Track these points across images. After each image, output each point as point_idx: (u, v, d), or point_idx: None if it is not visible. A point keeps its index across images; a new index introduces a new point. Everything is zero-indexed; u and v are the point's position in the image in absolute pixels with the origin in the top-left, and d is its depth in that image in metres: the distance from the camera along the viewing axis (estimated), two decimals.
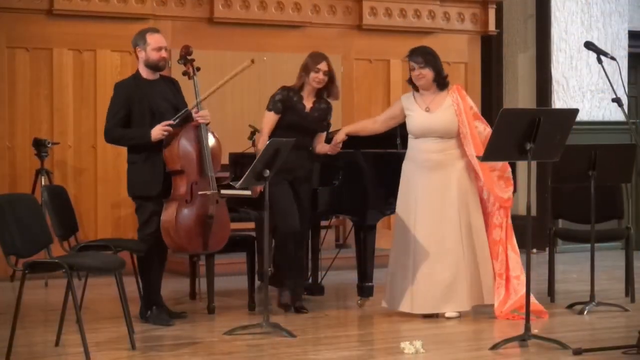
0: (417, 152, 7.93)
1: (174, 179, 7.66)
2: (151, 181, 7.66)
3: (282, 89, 8.16)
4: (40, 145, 10.26)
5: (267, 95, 11.05)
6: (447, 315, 7.87)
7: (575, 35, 12.94)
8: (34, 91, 10.68)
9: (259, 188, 7.74)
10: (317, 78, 7.97)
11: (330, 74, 8.05)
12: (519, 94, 13.41)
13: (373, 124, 8.19)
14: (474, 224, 7.96)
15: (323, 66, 7.99)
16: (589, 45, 7.40)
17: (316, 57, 8.10)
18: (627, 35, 13.41)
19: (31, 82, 10.67)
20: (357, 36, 12.00)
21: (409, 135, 8.03)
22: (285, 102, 8.03)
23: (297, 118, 7.98)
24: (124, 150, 10.24)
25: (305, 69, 8.06)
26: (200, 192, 7.61)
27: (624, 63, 12.57)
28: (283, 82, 11.35)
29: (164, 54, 7.81)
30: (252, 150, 9.20)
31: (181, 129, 7.66)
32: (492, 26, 12.75)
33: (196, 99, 7.73)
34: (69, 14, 10.69)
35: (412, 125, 7.94)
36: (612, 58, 7.18)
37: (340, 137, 8.04)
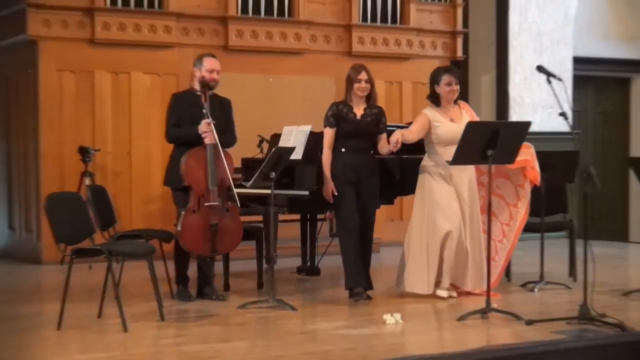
0: (446, 157, 7.54)
1: (189, 193, 7.60)
2: (181, 179, 7.64)
3: (332, 105, 7.82)
4: (84, 152, 10.27)
5: (274, 109, 11.17)
6: (437, 293, 7.78)
7: (528, 60, 12.95)
8: (78, 107, 10.67)
9: (332, 190, 7.56)
10: (360, 87, 7.66)
11: (370, 81, 7.73)
12: (481, 109, 13.39)
13: (410, 133, 7.77)
14: (477, 220, 7.87)
15: (363, 76, 7.67)
16: (540, 69, 7.42)
17: (357, 69, 7.74)
18: (572, 60, 13.42)
19: (76, 100, 10.66)
20: (348, 61, 11.94)
21: (431, 144, 7.80)
22: (336, 115, 7.69)
23: (351, 126, 7.68)
24: (154, 154, 10.36)
25: (349, 82, 7.74)
26: (206, 204, 7.52)
27: (569, 83, 12.63)
28: (286, 99, 11.48)
29: (215, 75, 7.77)
30: (260, 155, 9.22)
31: (193, 150, 7.55)
32: (459, 52, 12.77)
33: (206, 117, 7.56)
34: (107, 43, 10.68)
35: (442, 134, 7.72)
36: (559, 79, 7.20)
37: (395, 136, 7.54)
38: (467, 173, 7.82)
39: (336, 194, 7.56)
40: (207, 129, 7.51)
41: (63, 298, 6.61)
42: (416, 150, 8.10)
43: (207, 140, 7.53)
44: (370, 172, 7.71)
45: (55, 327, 6.55)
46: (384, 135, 7.78)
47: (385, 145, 7.74)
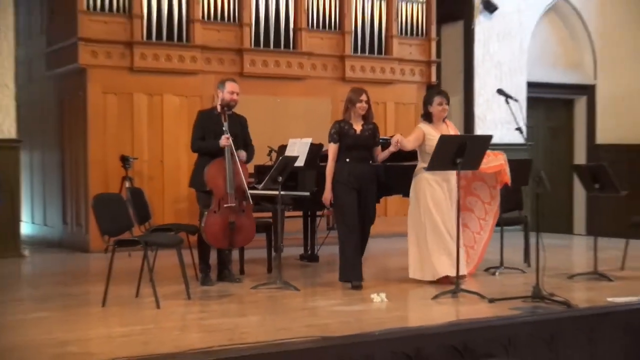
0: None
1: (211, 195, 7.55)
2: (204, 182, 7.61)
3: (335, 123, 7.60)
4: (124, 160, 10.26)
5: (281, 125, 11.15)
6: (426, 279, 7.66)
7: (490, 84, 12.95)
8: (120, 123, 10.65)
9: (330, 198, 7.43)
10: (361, 106, 7.48)
11: (368, 102, 7.58)
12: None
13: (407, 141, 7.60)
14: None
15: (364, 97, 7.51)
16: (500, 92, 7.41)
17: (357, 92, 7.56)
18: (526, 85, 13.44)
19: (118, 117, 10.64)
20: (342, 85, 11.96)
21: (425, 153, 7.61)
22: (339, 132, 7.47)
23: (352, 140, 7.46)
24: (182, 162, 10.36)
25: (351, 102, 7.51)
26: (225, 205, 7.49)
27: (524, 104, 12.60)
28: (290, 116, 11.46)
29: (235, 97, 7.74)
30: (270, 163, 9.21)
31: (215, 160, 7.51)
32: (433, 78, 12.74)
33: (225, 130, 7.53)
34: (144, 70, 10.66)
35: (434, 145, 7.37)
36: (516, 100, 7.19)
37: (396, 138, 7.46)
38: (454, 178, 7.74)
39: (333, 202, 7.42)
40: (226, 142, 7.49)
41: (107, 280, 6.62)
42: (398, 159, 8.06)
43: (225, 147, 7.47)
44: (370, 179, 7.57)
45: (100, 304, 6.57)
46: (378, 147, 7.67)
47: (381, 153, 7.65)
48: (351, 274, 7.43)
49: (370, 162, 7.66)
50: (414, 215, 7.80)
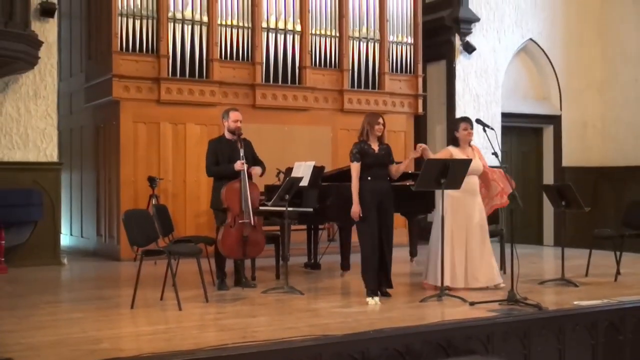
0: (464, 184, 7.32)
1: (227, 212, 7.51)
2: (220, 201, 7.56)
3: (356, 144, 7.17)
4: (152, 180, 10.23)
5: (289, 150, 11.13)
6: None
7: (470, 114, 12.81)
8: (148, 148, 10.64)
9: (359, 211, 6.99)
10: (379, 129, 7.18)
11: (384, 124, 7.27)
12: (436, 150, 13.33)
13: (434, 156, 7.46)
14: (484, 230, 7.60)
15: (381, 120, 7.23)
16: (478, 121, 7.39)
17: (375, 116, 7.28)
18: (500, 115, 13.43)
19: (147, 143, 10.63)
20: (341, 115, 11.98)
21: None
22: (361, 152, 7.10)
23: (372, 159, 7.11)
24: (202, 182, 10.31)
25: (370, 125, 7.16)
26: (240, 221, 7.46)
27: (499, 131, 12.57)
28: (296, 142, 11.44)
29: (238, 124, 7.70)
30: (278, 183, 9.18)
31: (231, 181, 7.46)
32: (420, 109, 12.72)
33: (240, 156, 7.51)
34: (169, 102, 10.65)
35: None
36: (492, 128, 7.17)
37: (421, 145, 7.35)
38: (477, 198, 7.61)
39: (361, 215, 7.03)
40: (241, 167, 7.48)
41: (135, 285, 6.61)
42: (399, 180, 7.92)
43: (241, 172, 7.47)
44: (389, 194, 7.21)
45: (129, 306, 6.54)
46: (393, 165, 7.34)
47: (399, 166, 7.36)
48: (373, 287, 7.00)
49: (388, 179, 7.33)
50: (436, 228, 7.61)
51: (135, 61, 10.48)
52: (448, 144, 7.94)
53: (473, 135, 7.74)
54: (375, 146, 7.22)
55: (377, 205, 7.05)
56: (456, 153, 7.58)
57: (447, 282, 7.30)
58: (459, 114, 13.04)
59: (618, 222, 9.23)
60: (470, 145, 7.75)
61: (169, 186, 10.72)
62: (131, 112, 10.52)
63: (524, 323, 6.08)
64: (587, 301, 6.75)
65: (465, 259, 7.47)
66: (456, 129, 7.71)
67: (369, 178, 7.09)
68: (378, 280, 7.05)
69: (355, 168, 7.12)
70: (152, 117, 10.66)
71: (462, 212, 7.50)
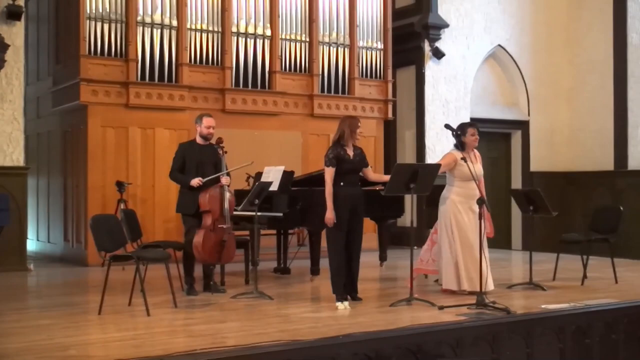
0: (465, 189, 7.48)
1: (203, 215, 7.48)
2: (190, 205, 7.55)
3: (332, 148, 7.05)
4: (120, 185, 10.16)
5: (259, 155, 11.10)
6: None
7: (440, 120, 13.04)
8: (116, 153, 10.58)
9: (333, 218, 6.88)
10: (361, 132, 7.14)
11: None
12: (406, 155, 13.48)
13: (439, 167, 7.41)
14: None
15: (360, 124, 7.14)
16: (447, 126, 7.44)
17: (355, 119, 7.18)
18: (469, 120, 13.51)
19: (115, 147, 10.56)
20: (311, 120, 12.00)
21: (453, 178, 7.55)
22: (337, 156, 6.99)
23: (348, 166, 7.02)
24: (171, 187, 10.26)
25: (351, 128, 7.05)
26: (219, 225, 7.45)
27: None
28: (266, 147, 11.43)
29: (211, 130, 7.67)
30: (248, 188, 9.16)
31: (212, 187, 7.48)
32: (390, 114, 12.78)
33: (223, 170, 7.56)
34: (138, 107, 10.60)
35: (465, 172, 7.36)
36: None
37: None
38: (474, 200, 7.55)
39: (335, 221, 6.95)
40: (226, 182, 7.52)
41: (103, 291, 6.57)
42: (369, 184, 7.95)
43: (224, 182, 7.51)
44: (361, 201, 7.16)
45: (97, 312, 6.48)
46: (368, 168, 7.28)
47: (380, 178, 7.46)
48: (338, 291, 6.98)
49: (359, 184, 7.24)
50: (444, 233, 7.65)
51: (103, 65, 10.41)
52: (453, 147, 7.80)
53: (478, 140, 7.70)
54: (350, 152, 7.15)
55: (350, 211, 7.02)
56: (460, 157, 7.45)
57: (465, 287, 7.44)
58: (428, 119, 13.14)
59: (585, 226, 9.34)
60: (472, 150, 7.75)
61: (137, 191, 10.65)
62: (99, 116, 10.45)
63: (493, 327, 6.12)
64: (554, 305, 6.81)
65: (479, 262, 7.48)
66: (463, 133, 7.62)
67: (342, 184, 7.04)
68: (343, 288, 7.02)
69: (330, 173, 7.03)
70: (121, 121, 10.59)
71: (466, 216, 7.53)
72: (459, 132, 7.64)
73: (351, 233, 7.06)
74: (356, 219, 7.09)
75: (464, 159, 7.26)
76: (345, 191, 7.02)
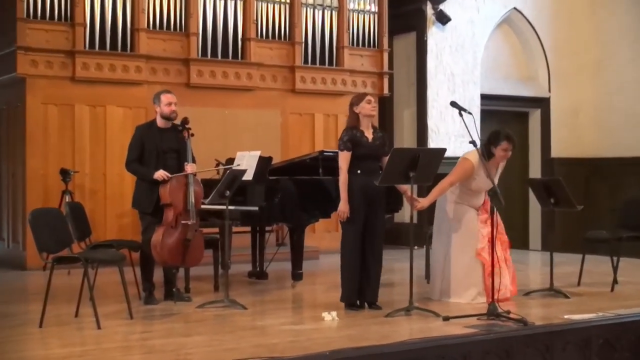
0: (471, 197, 7.49)
1: (165, 209, 7.45)
2: (148, 201, 7.51)
3: (347, 130, 7.07)
4: (65, 173, 10.11)
5: (229, 137, 11.10)
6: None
7: (443, 97, 13.04)
8: (61, 135, 10.52)
9: (347, 211, 6.94)
10: (371, 107, 7.08)
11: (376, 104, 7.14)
12: (404, 138, 13.50)
13: (449, 185, 7.37)
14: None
15: (370, 97, 7.10)
16: (453, 104, 7.41)
17: (361, 95, 7.17)
18: (479, 97, 13.56)
19: (59, 129, 10.52)
20: (292, 97, 11.99)
21: (462, 186, 7.48)
22: (352, 139, 7.00)
23: (365, 150, 7.00)
24: (126, 176, 10.12)
25: (357, 104, 7.07)
26: (183, 221, 7.42)
27: (477, 116, 12.68)
28: (239, 129, 11.41)
29: (173, 107, 7.60)
30: (217, 177, 9.13)
31: (175, 176, 7.45)
32: (386, 90, 12.79)
33: (188, 157, 7.53)
34: (86, 80, 10.56)
35: (480, 186, 7.43)
36: (469, 113, 7.18)
37: (419, 205, 7.11)
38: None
39: (348, 216, 6.99)
40: (192, 170, 7.46)
41: (45, 299, 6.52)
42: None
43: (189, 170, 7.45)
44: (380, 193, 7.13)
45: (37, 324, 6.44)
46: (387, 157, 7.14)
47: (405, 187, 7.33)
48: (350, 296, 7.07)
49: (380, 172, 7.15)
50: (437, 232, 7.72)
51: (44, 30, 10.36)
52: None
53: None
54: (368, 134, 7.12)
55: (367, 205, 7.03)
56: (478, 170, 7.36)
57: (453, 298, 7.51)
58: (431, 96, 13.14)
59: (614, 222, 9.38)
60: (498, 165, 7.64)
61: (85, 181, 10.60)
62: (40, 91, 10.38)
63: (507, 341, 6.12)
64: (579, 315, 6.83)
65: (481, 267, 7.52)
66: (495, 144, 7.49)
67: (359, 172, 7.03)
68: (359, 291, 7.09)
69: (345, 158, 7.02)
70: (66, 98, 10.53)
71: (468, 214, 7.57)
72: (490, 140, 7.53)
73: (369, 230, 7.08)
74: (374, 214, 7.09)
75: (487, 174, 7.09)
76: (361, 181, 7.02)
